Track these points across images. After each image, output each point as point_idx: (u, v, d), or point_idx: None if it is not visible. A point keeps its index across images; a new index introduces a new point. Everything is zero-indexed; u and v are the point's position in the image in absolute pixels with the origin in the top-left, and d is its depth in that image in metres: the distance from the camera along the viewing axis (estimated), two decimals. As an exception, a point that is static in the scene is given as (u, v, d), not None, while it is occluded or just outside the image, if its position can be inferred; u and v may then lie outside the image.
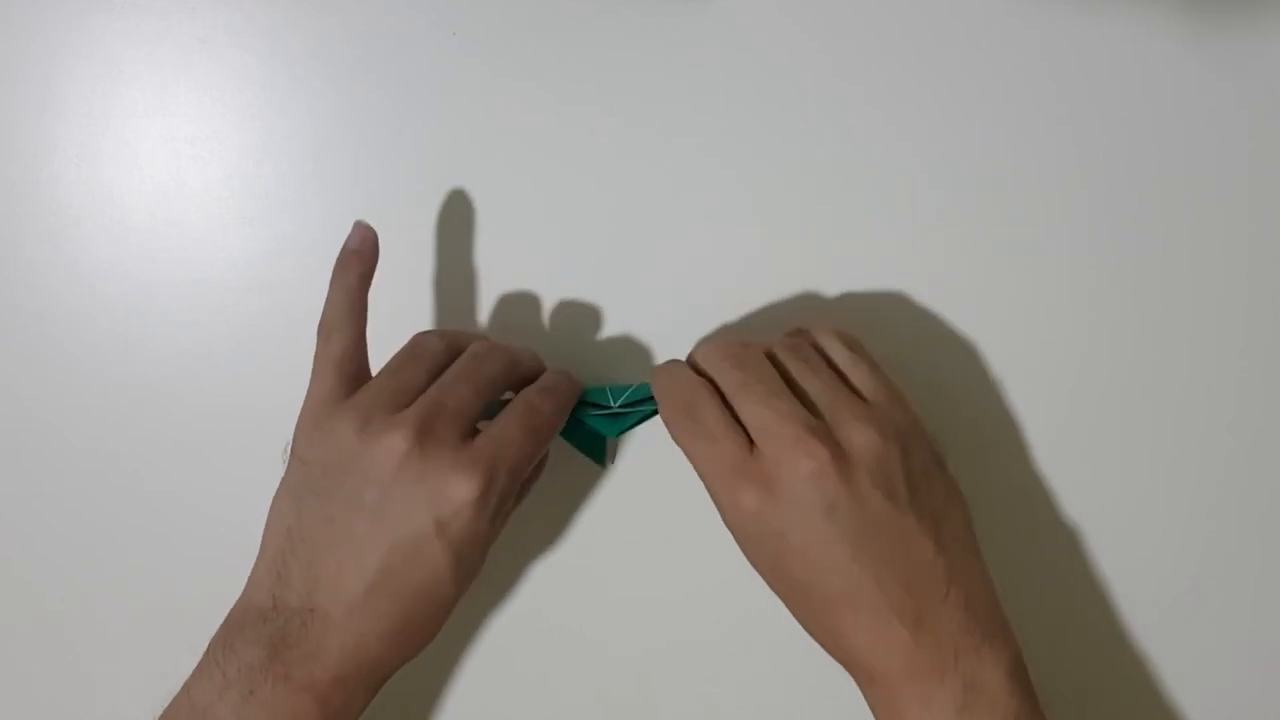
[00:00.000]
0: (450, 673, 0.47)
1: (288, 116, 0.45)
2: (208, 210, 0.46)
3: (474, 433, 0.39)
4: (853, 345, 0.42)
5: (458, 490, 0.37)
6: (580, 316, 0.46)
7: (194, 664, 0.38)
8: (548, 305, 0.46)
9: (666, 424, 0.40)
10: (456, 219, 0.46)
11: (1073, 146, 0.45)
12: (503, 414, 0.40)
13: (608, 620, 0.47)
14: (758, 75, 0.45)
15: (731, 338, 0.41)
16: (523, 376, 0.42)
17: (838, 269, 0.46)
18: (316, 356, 0.40)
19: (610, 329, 0.46)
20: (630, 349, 0.46)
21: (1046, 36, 0.45)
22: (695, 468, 0.39)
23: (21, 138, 0.45)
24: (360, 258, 0.41)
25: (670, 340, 0.46)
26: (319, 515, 0.38)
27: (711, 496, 0.39)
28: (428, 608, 0.38)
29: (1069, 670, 0.47)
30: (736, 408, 0.39)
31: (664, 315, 0.46)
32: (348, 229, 0.45)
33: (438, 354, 0.40)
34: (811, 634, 0.39)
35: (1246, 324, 0.46)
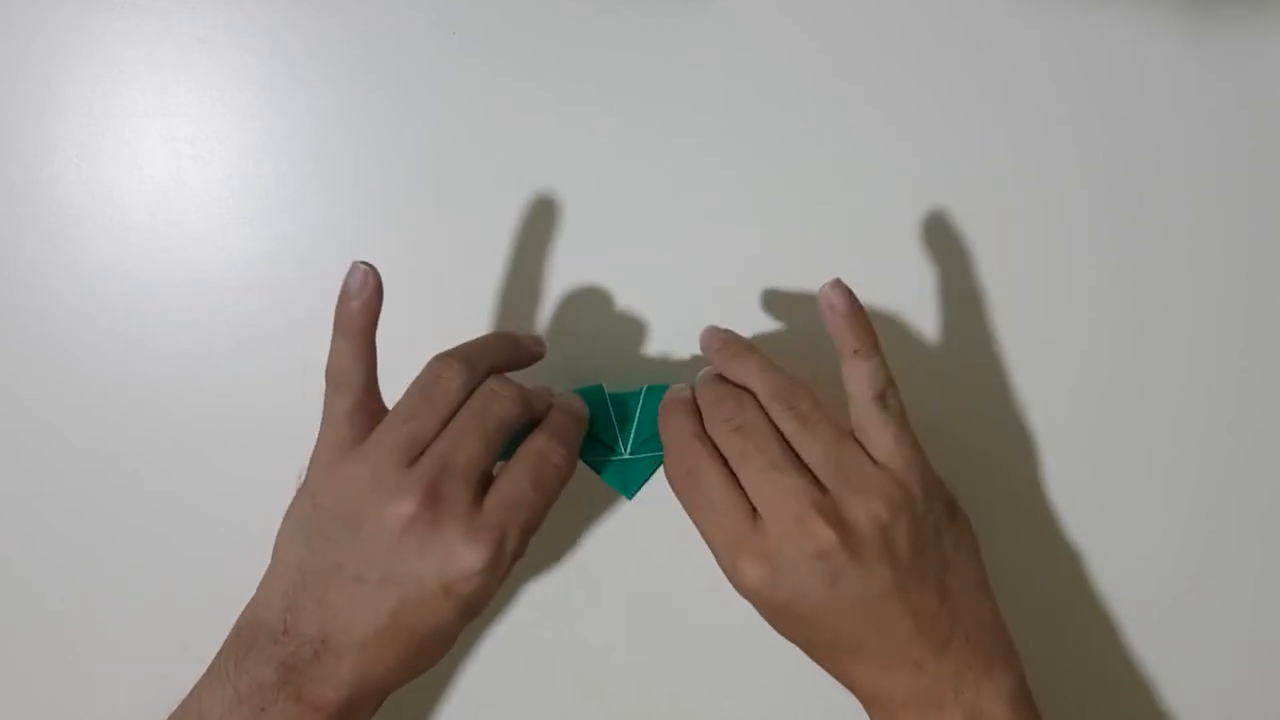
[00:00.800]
0: (451, 679, 0.47)
1: (288, 116, 0.45)
2: (208, 210, 0.46)
3: (486, 481, 0.38)
4: (884, 398, 0.39)
5: (467, 560, 0.37)
6: (580, 316, 0.46)
7: (192, 664, 0.38)
8: (547, 305, 0.46)
9: (671, 484, 0.40)
10: (456, 219, 0.46)
11: (1073, 146, 0.45)
12: (513, 466, 0.39)
13: (610, 625, 0.47)
14: (758, 75, 0.45)
15: (724, 388, 0.40)
16: (535, 413, 0.41)
17: (837, 269, 0.46)
18: (326, 404, 0.39)
19: (610, 329, 0.46)
20: (630, 349, 0.46)
21: (1046, 36, 0.45)
22: (699, 532, 0.39)
23: (21, 138, 0.45)
24: (364, 306, 0.39)
25: (671, 340, 0.46)
26: (328, 560, 0.38)
27: (716, 560, 0.39)
28: (435, 645, 0.39)
29: (1070, 672, 0.47)
30: (739, 476, 0.38)
31: (664, 315, 0.46)
32: (348, 229, 0.45)
33: (454, 392, 0.39)
34: (816, 663, 0.40)
35: (1246, 324, 0.46)
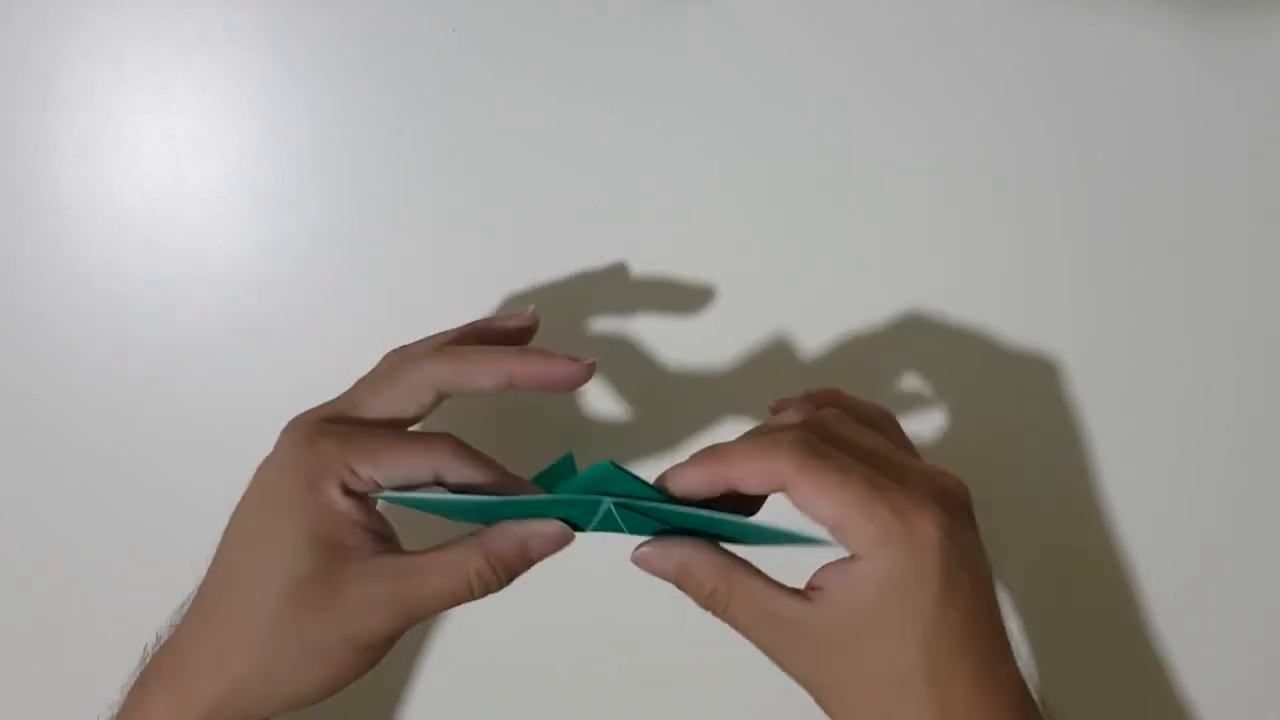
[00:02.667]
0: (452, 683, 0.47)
1: (287, 114, 0.45)
2: (207, 208, 0.46)
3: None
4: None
5: None
6: (579, 317, 0.46)
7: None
8: (546, 305, 0.46)
9: (808, 484, 0.32)
10: (456, 218, 0.46)
11: (1073, 146, 0.45)
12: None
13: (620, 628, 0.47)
14: (758, 75, 0.45)
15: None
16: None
17: (837, 269, 0.46)
18: None
19: (610, 329, 0.46)
20: (629, 350, 0.46)
21: (1046, 36, 0.45)
22: (851, 508, 0.32)
23: (21, 137, 0.45)
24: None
25: (670, 341, 0.46)
26: None
27: (877, 539, 0.32)
28: None
29: (1078, 669, 0.47)
30: (886, 465, 0.34)
31: (664, 315, 0.46)
32: (347, 227, 0.46)
33: None
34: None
35: (1246, 324, 0.46)
